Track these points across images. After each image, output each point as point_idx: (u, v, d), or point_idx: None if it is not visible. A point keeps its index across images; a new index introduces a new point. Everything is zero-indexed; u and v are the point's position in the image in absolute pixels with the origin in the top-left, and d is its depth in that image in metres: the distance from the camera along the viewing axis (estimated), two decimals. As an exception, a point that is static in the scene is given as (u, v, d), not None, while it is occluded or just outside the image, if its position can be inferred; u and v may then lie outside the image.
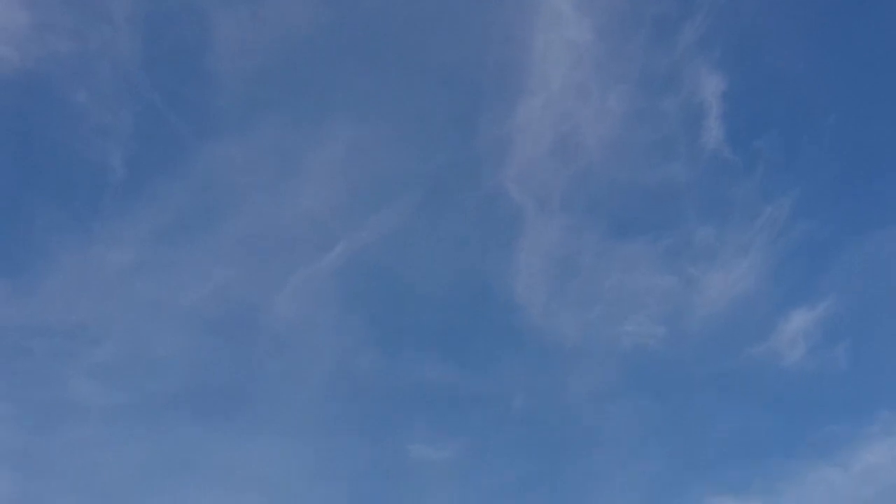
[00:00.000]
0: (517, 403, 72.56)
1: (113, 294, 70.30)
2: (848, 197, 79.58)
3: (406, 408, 71.83)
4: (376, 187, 75.50)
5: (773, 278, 77.58)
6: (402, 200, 75.13)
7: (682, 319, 76.44)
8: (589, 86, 78.54)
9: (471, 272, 75.60)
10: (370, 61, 77.11)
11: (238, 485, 67.15)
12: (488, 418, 72.51)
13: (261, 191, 73.90)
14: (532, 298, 74.99)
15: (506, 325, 74.60)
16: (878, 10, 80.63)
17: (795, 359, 75.51)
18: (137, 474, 66.61)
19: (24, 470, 64.91)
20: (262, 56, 75.30)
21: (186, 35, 75.12)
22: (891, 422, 72.91)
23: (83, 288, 69.94)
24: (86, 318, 69.45)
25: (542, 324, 74.58)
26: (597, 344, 75.18)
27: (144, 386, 69.12)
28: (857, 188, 79.86)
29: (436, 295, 74.35)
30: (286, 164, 74.56)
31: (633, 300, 76.33)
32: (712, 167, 78.89)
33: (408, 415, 71.63)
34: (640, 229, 77.97)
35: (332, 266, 72.84)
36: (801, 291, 77.51)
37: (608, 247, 77.18)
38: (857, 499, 70.59)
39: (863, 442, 72.54)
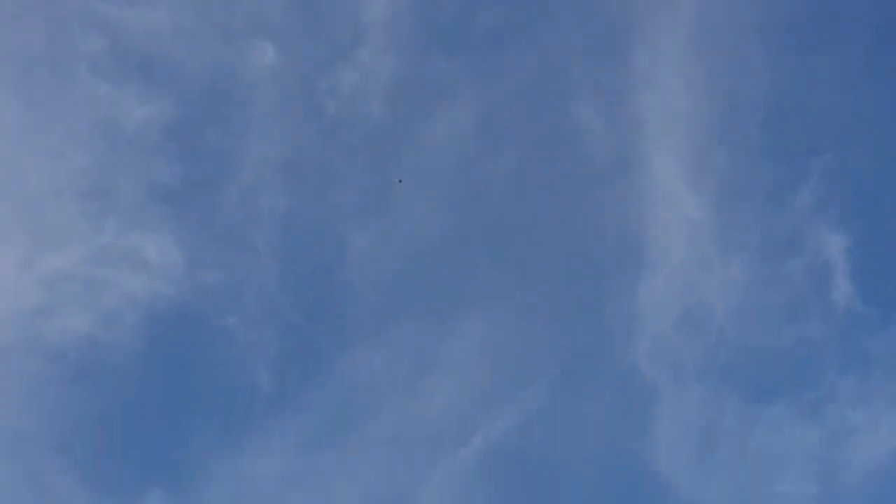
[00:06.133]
0: (672, 578, 72.07)
1: (268, 502, 73.82)
2: None
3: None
4: (509, 375, 78.26)
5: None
6: (535, 385, 77.58)
7: (835, 475, 75.24)
8: (710, 257, 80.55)
9: (611, 450, 76.56)
10: (494, 256, 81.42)
11: None
12: None
13: (399, 391, 77.61)
14: (676, 470, 75.36)
15: (654, 498, 74.73)
16: None
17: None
18: None
19: None
20: (392, 264, 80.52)
21: (322, 255, 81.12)
22: None
23: (240, 498, 73.81)
24: (245, 527, 73.06)
25: (689, 494, 74.48)
26: (749, 508, 74.51)
27: (303, 588, 71.65)
28: None
29: (578, 476, 75.40)
30: (421, 362, 78.36)
31: (780, 461, 75.80)
32: (847, 322, 78.94)
33: None
34: (780, 390, 78.01)
35: (474, 455, 75.16)
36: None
37: (749, 411, 77.34)
38: None
39: None
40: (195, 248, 79.87)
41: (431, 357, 78.22)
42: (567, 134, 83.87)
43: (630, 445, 76.63)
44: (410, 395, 77.27)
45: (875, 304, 78.68)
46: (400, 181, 76.78)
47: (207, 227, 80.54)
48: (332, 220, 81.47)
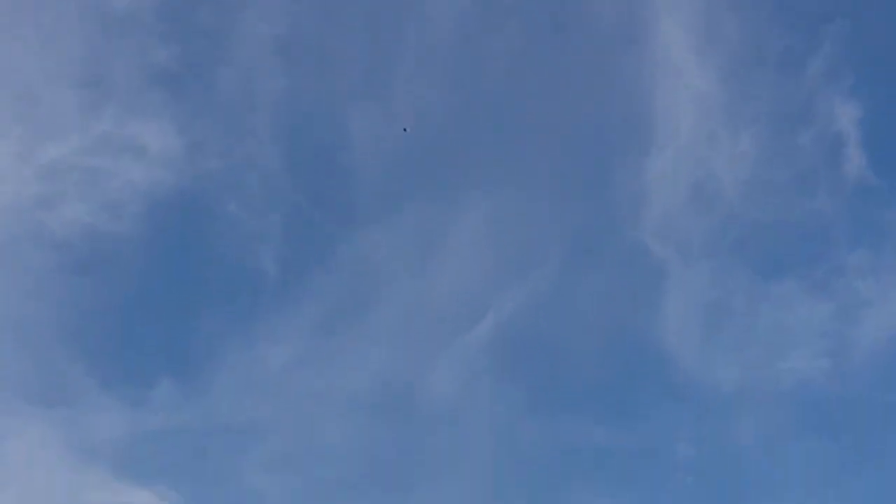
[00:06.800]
0: (680, 455, 72.34)
1: (278, 389, 74.00)
2: None
3: (569, 471, 72.37)
4: (518, 254, 77.59)
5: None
6: (544, 264, 76.97)
7: (846, 349, 74.93)
8: (719, 131, 79.00)
9: (620, 328, 76.28)
10: (499, 134, 79.98)
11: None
12: (653, 473, 72.40)
13: (407, 273, 77.09)
14: (685, 347, 75.01)
15: (661, 376, 74.71)
16: None
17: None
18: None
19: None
20: (396, 145, 78.98)
21: (325, 137, 79.71)
22: None
23: (250, 386, 73.93)
24: (256, 414, 73.11)
25: (698, 371, 74.35)
26: (757, 385, 74.41)
27: (316, 473, 71.87)
28: None
29: (587, 354, 75.19)
30: (429, 244, 77.53)
31: (790, 336, 75.47)
32: (858, 195, 77.79)
33: (572, 478, 72.08)
34: (790, 265, 77.26)
35: (483, 337, 74.91)
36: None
37: (758, 287, 76.71)
38: None
39: None
40: (194, 133, 78.70)
41: (438, 238, 77.59)
42: (570, 4, 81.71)
43: (638, 323, 76.37)
44: (418, 278, 76.92)
45: (888, 176, 77.54)
46: (406, 130, 74.82)
47: (206, 112, 79.36)
48: (333, 101, 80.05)
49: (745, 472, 71.84)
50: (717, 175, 77.82)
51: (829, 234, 77.07)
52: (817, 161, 77.90)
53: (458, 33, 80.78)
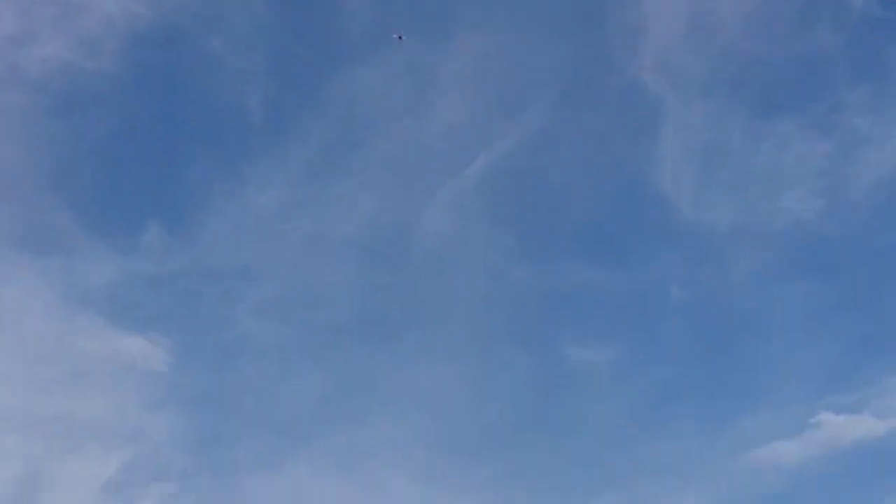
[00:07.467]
0: (674, 296, 71.98)
1: (269, 233, 73.03)
2: None
3: (563, 313, 72.20)
4: (511, 93, 75.65)
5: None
6: (537, 103, 75.21)
7: (842, 189, 73.80)
8: (720, -42, 75.85)
9: (615, 168, 75.06)
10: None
11: (406, 406, 68.98)
12: (646, 314, 72.09)
13: (398, 113, 75.31)
14: (680, 188, 74.00)
15: (656, 217, 73.79)
16: None
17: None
18: (310, 403, 69.29)
19: (204, 409, 68.58)
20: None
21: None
22: None
23: (241, 230, 72.90)
24: (247, 259, 72.30)
25: (693, 212, 73.56)
26: (753, 225, 73.66)
27: (309, 319, 71.49)
28: None
29: (581, 195, 74.22)
30: (420, 83, 75.50)
31: (787, 176, 74.43)
32: (862, 28, 75.43)
33: (566, 320, 71.99)
34: (790, 102, 75.63)
35: (476, 177, 73.79)
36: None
37: (756, 125, 75.22)
38: None
39: None
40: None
41: (430, 77, 75.65)
42: None
43: (633, 164, 75.18)
44: (410, 117, 75.28)
45: (893, 8, 74.93)
46: (400, 37, 70.64)
47: (182, -60, 75.44)
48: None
49: (739, 313, 71.81)
50: (718, 7, 75.36)
51: (831, 69, 75.32)
52: (821, -8, 75.22)
53: None
